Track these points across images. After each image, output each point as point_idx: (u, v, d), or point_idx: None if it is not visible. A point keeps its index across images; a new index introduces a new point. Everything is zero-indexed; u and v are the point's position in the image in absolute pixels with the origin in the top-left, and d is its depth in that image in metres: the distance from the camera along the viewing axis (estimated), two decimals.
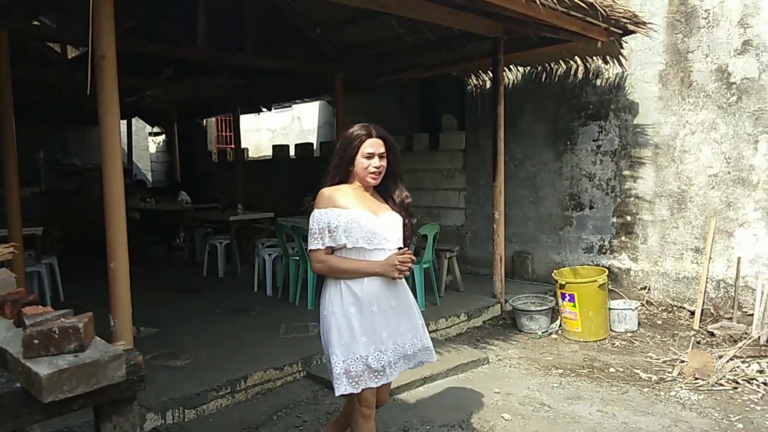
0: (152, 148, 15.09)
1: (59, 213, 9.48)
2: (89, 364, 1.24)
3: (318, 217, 2.47)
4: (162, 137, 14.68)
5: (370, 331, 2.46)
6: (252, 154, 13.25)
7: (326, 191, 2.53)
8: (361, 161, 2.50)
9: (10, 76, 4.76)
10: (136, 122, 13.66)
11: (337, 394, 2.48)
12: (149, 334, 4.94)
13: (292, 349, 4.53)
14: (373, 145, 2.50)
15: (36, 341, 1.28)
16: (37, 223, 6.23)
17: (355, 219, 2.43)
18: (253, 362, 4.21)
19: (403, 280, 2.62)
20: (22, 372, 1.27)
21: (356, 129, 2.55)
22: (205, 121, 13.97)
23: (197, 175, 13.19)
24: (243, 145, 11.43)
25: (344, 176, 2.56)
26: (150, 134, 14.87)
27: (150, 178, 14.55)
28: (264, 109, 11.20)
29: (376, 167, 2.50)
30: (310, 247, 2.49)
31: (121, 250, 3.39)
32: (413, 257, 2.53)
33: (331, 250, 2.50)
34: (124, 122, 12.65)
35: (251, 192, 10.16)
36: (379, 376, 2.49)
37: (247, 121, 13.60)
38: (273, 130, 13.82)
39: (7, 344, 1.40)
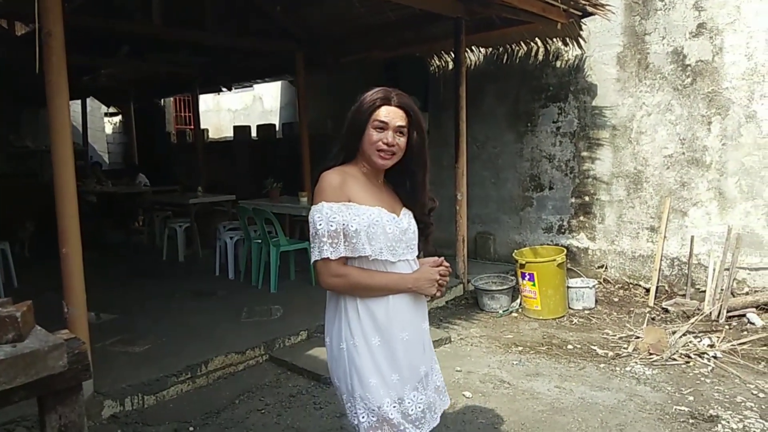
0: (108, 129, 14.64)
1: (12, 196, 9.15)
2: (27, 354, 1.20)
3: (328, 215, 1.80)
4: (118, 118, 14.25)
5: (404, 366, 1.87)
6: (212, 135, 12.98)
7: (335, 176, 1.87)
8: (370, 133, 1.88)
9: None
10: (92, 102, 13.20)
11: None
12: (108, 320, 4.85)
13: (254, 333, 4.50)
14: (389, 115, 1.88)
15: None
16: None
17: (377, 221, 1.84)
18: (214, 347, 4.16)
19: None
20: None
21: (372, 92, 1.92)
22: (163, 101, 13.61)
23: (156, 156, 12.85)
24: (203, 126, 11.19)
25: (349, 154, 1.95)
26: (106, 114, 14.41)
27: (106, 160, 14.13)
28: (224, 89, 10.97)
29: (387, 144, 1.87)
30: (318, 255, 1.82)
31: (74, 235, 3.28)
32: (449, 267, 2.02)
33: (345, 260, 1.87)
34: (78, 102, 12.24)
35: (212, 174, 9.98)
36: (418, 425, 1.89)
37: (206, 101, 13.32)
38: (234, 110, 13.56)
39: None
